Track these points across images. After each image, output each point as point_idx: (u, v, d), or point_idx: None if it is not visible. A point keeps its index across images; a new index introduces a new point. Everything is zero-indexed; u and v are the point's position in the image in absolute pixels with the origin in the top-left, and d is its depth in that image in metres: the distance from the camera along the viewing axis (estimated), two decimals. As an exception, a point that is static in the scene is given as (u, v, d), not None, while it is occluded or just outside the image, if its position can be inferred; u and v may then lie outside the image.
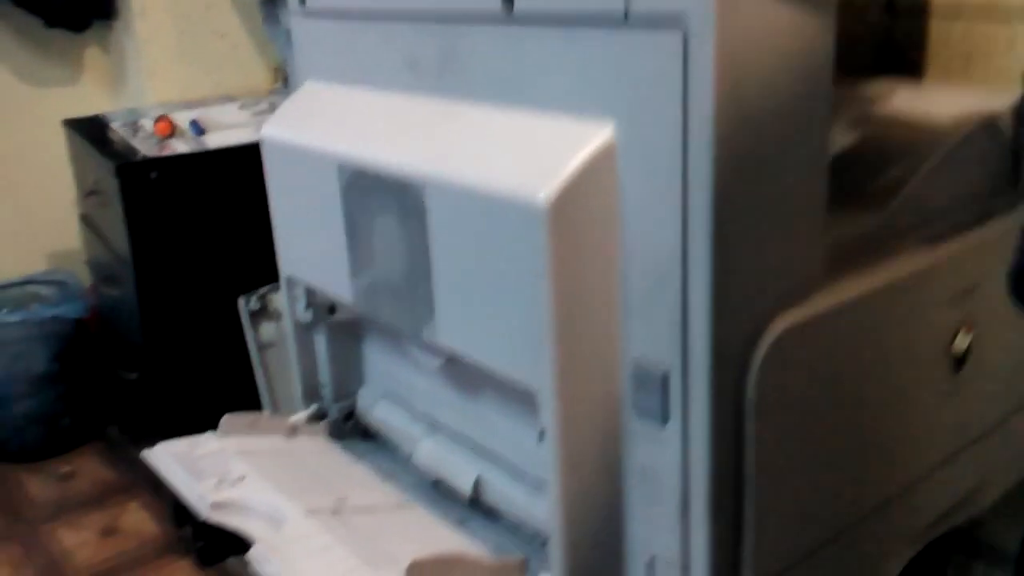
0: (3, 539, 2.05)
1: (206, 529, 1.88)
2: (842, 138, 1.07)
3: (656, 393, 0.78)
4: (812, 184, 0.78)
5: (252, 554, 0.80)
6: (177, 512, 1.95)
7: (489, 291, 0.81)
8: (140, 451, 2.08)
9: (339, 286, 1.00)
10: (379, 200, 0.90)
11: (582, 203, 0.74)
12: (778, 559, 0.84)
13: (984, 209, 1.01)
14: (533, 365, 0.78)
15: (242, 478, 0.91)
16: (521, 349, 0.80)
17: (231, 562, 1.92)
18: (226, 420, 1.02)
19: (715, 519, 0.78)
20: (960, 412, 1.01)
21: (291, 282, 1.11)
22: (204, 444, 0.99)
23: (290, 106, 1.05)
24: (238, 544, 1.91)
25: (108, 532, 2.05)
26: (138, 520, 2.10)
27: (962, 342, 0.97)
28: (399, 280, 0.91)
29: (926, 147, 0.99)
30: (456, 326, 0.86)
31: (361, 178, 0.91)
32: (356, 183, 0.92)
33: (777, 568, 0.84)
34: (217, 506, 0.87)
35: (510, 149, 0.78)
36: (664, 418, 0.78)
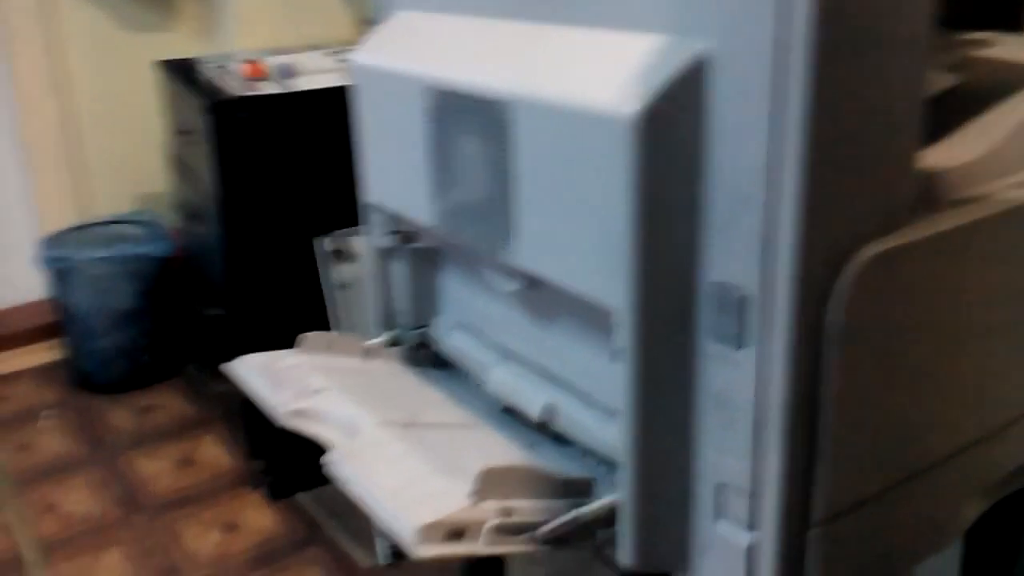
0: (85, 464, 2.14)
1: (277, 464, 1.94)
2: (942, 80, 1.04)
3: (734, 317, 0.77)
4: (909, 109, 0.76)
5: (329, 458, 0.82)
6: (251, 446, 2.01)
7: (571, 209, 0.81)
8: (218, 387, 2.15)
9: (420, 210, 1.01)
10: (464, 120, 0.91)
11: (669, 118, 0.73)
12: (850, 494, 0.83)
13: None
14: (611, 283, 0.78)
15: (319, 390, 0.94)
16: (600, 267, 0.80)
17: (300, 496, 1.98)
18: (305, 338, 1.05)
19: (788, 448, 0.77)
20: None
21: (373, 209, 1.13)
22: (284, 358, 1.02)
23: (379, 35, 1.07)
24: (307, 479, 1.96)
25: (184, 463, 2.13)
26: (213, 453, 2.17)
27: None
28: (480, 201, 0.92)
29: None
30: (536, 246, 0.87)
31: (447, 99, 0.92)
32: (442, 104, 0.93)
33: (848, 503, 0.83)
34: (295, 414, 0.89)
35: (599, 66, 0.78)
36: (741, 343, 0.78)
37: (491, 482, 0.78)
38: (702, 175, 0.76)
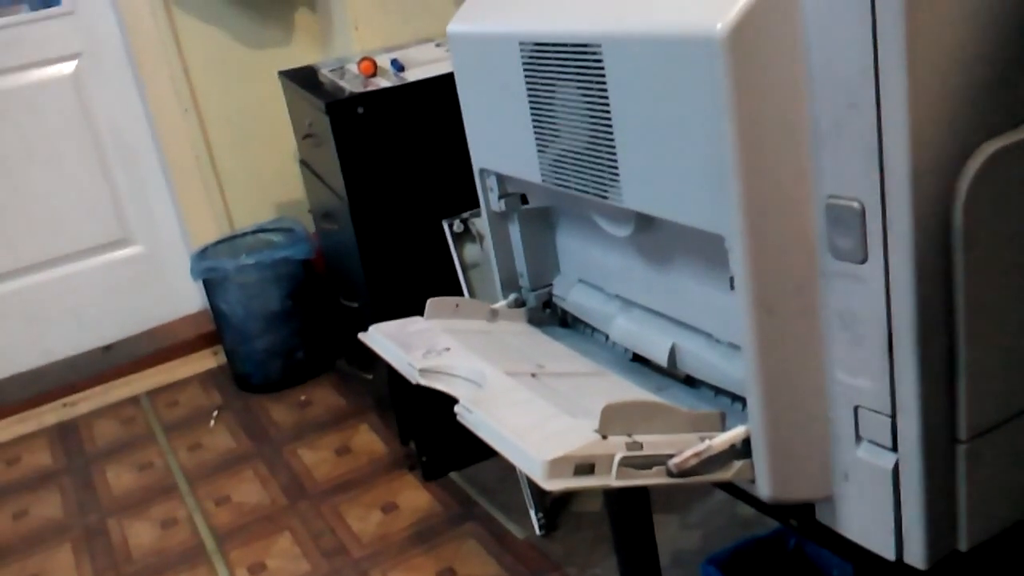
0: (252, 457, 2.28)
1: (429, 446, 2.00)
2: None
3: (853, 230, 0.75)
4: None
5: (458, 408, 0.84)
6: (402, 431, 2.09)
7: (671, 140, 0.81)
8: (367, 378, 2.24)
9: (527, 166, 1.03)
10: (559, 69, 0.92)
11: (761, 32, 0.72)
12: (995, 409, 0.79)
13: None
14: (719, 209, 0.78)
15: (448, 349, 0.97)
16: (707, 195, 0.79)
17: (453, 476, 2.04)
18: (432, 303, 1.09)
19: (923, 363, 0.75)
20: None
21: (483, 174, 1.15)
22: (413, 324, 1.06)
23: (470, 2, 1.09)
24: (458, 459, 2.02)
25: (342, 451, 2.23)
26: (368, 441, 2.26)
27: None
28: (583, 148, 0.92)
29: None
30: (642, 184, 0.87)
31: (540, 50, 0.93)
32: (536, 56, 0.95)
33: (993, 420, 0.79)
34: (425, 372, 0.93)
35: (684, -9, 0.77)
36: (862, 257, 0.75)
37: (617, 417, 0.78)
38: (802, 87, 0.74)
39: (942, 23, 0.69)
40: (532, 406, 0.84)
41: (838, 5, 0.70)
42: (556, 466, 0.74)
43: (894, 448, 0.78)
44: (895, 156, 0.70)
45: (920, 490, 0.77)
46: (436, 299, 1.09)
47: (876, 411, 0.78)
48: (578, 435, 0.77)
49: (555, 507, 1.85)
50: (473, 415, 0.82)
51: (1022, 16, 0.73)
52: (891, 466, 0.78)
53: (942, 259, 0.73)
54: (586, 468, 0.76)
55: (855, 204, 0.74)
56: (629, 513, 1.35)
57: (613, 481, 0.76)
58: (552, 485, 0.73)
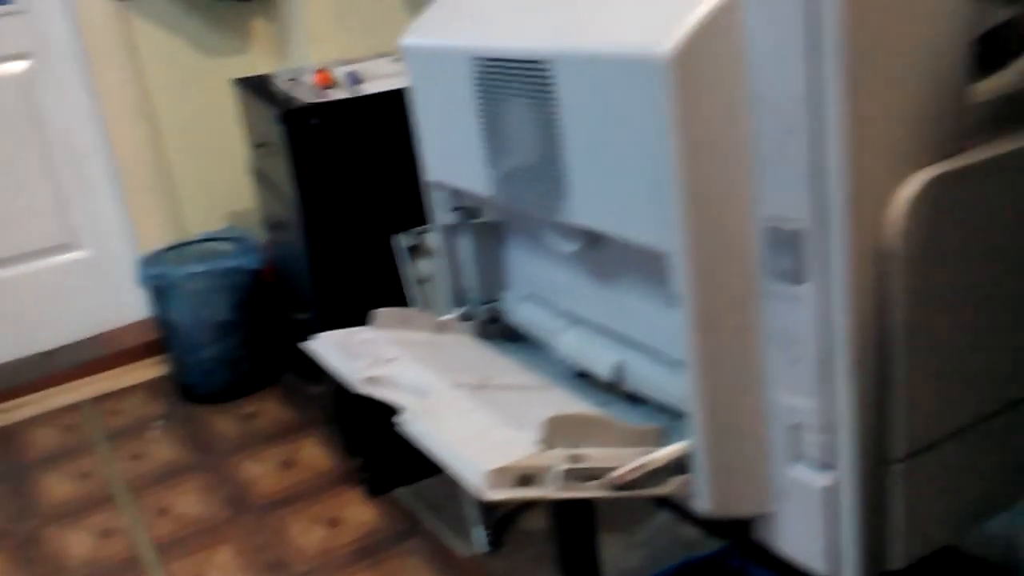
0: (195, 468, 2.24)
1: (375, 461, 1.99)
2: (999, 14, 1.01)
3: (791, 252, 0.77)
4: (955, 32, 0.75)
5: (401, 417, 0.84)
6: (348, 445, 2.07)
7: (619, 158, 0.82)
8: (315, 391, 2.22)
9: (477, 181, 1.04)
10: (511, 85, 0.93)
11: (706, 55, 0.73)
12: (928, 430, 0.81)
13: None
14: (663, 227, 0.79)
15: (394, 359, 0.97)
16: (651, 212, 0.80)
17: (398, 491, 2.03)
18: (379, 314, 1.08)
19: (858, 382, 0.76)
20: None
21: (435, 186, 1.15)
22: (359, 334, 1.05)
23: (425, 16, 1.10)
24: (404, 475, 2.01)
25: (287, 465, 2.20)
26: (313, 455, 2.24)
27: None
28: (532, 164, 0.93)
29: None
30: (588, 200, 0.88)
31: (492, 66, 0.94)
32: (488, 72, 0.95)
33: (927, 440, 0.81)
34: (370, 381, 0.92)
35: (633, 12, 0.79)
36: (800, 278, 0.77)
37: (559, 429, 0.79)
38: (744, 109, 0.76)
39: (881, 53, 0.71)
40: (476, 417, 0.84)
41: (780, 32, 0.71)
42: (497, 476, 0.74)
43: (829, 467, 0.80)
44: (833, 181, 0.72)
45: (854, 509, 0.79)
46: (384, 310, 1.09)
47: (813, 430, 0.80)
48: (520, 446, 0.77)
49: (501, 524, 1.84)
50: (415, 425, 0.82)
51: (958, 51, 0.76)
52: (826, 485, 0.80)
53: (878, 282, 0.75)
54: (527, 479, 0.76)
55: (794, 227, 0.75)
56: (574, 531, 1.35)
57: (553, 493, 0.76)
58: (493, 495, 0.73)
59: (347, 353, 0.98)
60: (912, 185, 0.74)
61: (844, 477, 0.79)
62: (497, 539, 1.81)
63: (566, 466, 0.76)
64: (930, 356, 0.79)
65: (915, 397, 0.79)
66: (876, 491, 0.80)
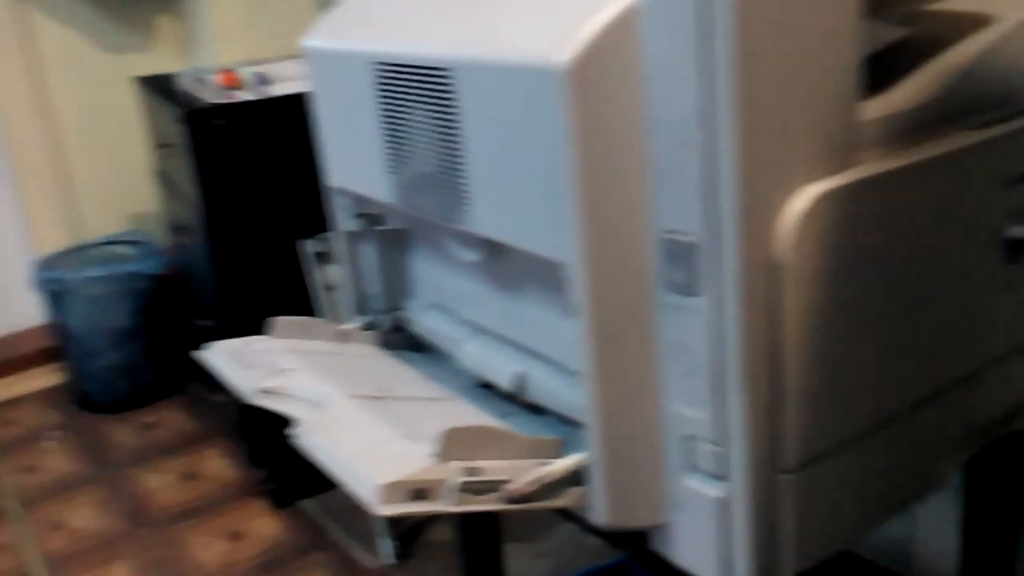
0: (90, 481, 2.16)
1: (280, 472, 1.94)
2: (891, 33, 1.04)
3: (686, 265, 0.77)
4: (844, 51, 0.76)
5: (296, 429, 0.82)
6: (253, 456, 2.02)
7: (518, 168, 0.82)
8: (219, 400, 2.16)
9: (380, 187, 1.02)
10: (412, 91, 0.91)
11: (603, 66, 0.74)
12: (819, 441, 0.82)
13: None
14: (561, 238, 0.79)
15: (291, 370, 0.94)
16: (549, 222, 0.80)
17: (303, 503, 1.99)
18: (278, 322, 1.06)
19: (750, 394, 0.77)
20: (1017, 308, 0.97)
21: (338, 193, 1.13)
22: (256, 343, 1.03)
23: (328, 17, 1.08)
24: (309, 486, 1.97)
25: (188, 476, 2.14)
26: (217, 466, 2.18)
27: (1017, 231, 0.94)
28: (434, 171, 0.92)
29: (978, 37, 0.96)
30: (489, 210, 0.87)
31: (394, 71, 0.93)
32: (390, 77, 0.94)
33: (818, 451, 0.83)
34: (264, 392, 0.90)
35: (532, 22, 0.78)
36: (694, 291, 0.77)
37: (455, 442, 0.78)
38: (641, 122, 0.76)
39: (772, 68, 0.72)
40: (372, 430, 0.82)
41: (675, 46, 0.72)
42: (390, 491, 0.73)
43: (723, 478, 0.80)
44: (724, 195, 0.73)
45: (746, 519, 0.80)
46: (282, 318, 1.06)
47: (706, 441, 0.81)
48: (415, 459, 0.76)
49: (408, 536, 1.82)
50: (309, 438, 0.80)
51: (850, 68, 0.77)
52: (720, 496, 0.81)
53: (770, 295, 0.76)
54: (422, 493, 0.75)
55: (688, 239, 0.76)
56: (479, 542, 1.34)
57: (448, 507, 0.75)
58: (385, 510, 0.72)
59: (242, 363, 0.95)
60: (802, 200, 0.75)
61: (736, 488, 0.80)
62: (404, 550, 1.79)
63: (461, 479, 0.75)
64: (821, 368, 0.80)
65: (806, 409, 0.80)
66: (768, 501, 0.81)
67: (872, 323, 0.83)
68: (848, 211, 0.79)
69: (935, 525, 1.49)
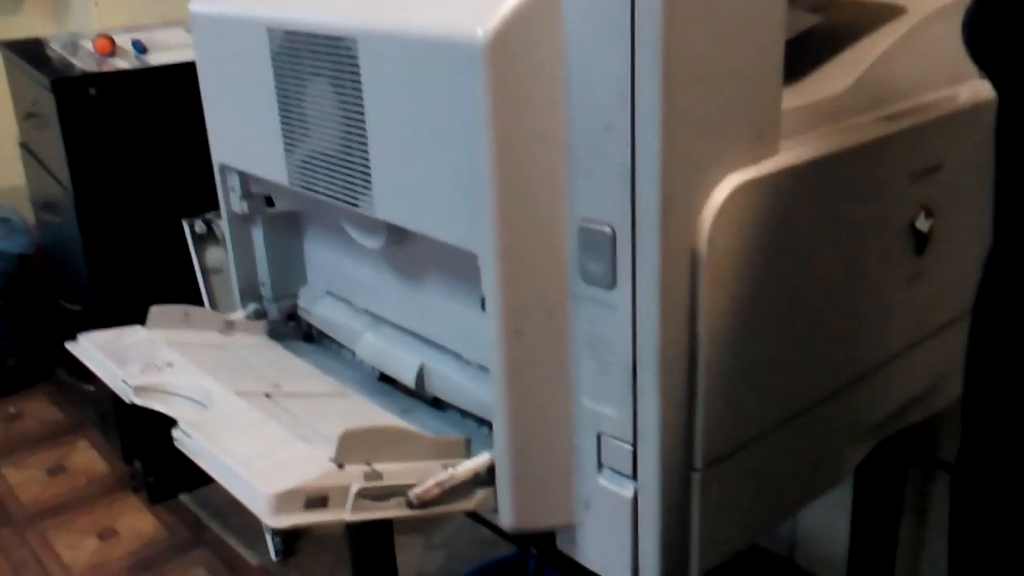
0: (-56, 478, 1.99)
1: (156, 465, 1.83)
2: (806, 20, 1.04)
3: (603, 255, 0.74)
4: (768, 41, 0.74)
5: (174, 432, 0.75)
6: (126, 448, 1.90)
7: (427, 149, 0.76)
8: (89, 389, 2.02)
9: (272, 166, 0.95)
10: (311, 63, 0.85)
11: (523, 43, 0.69)
12: (730, 437, 0.80)
13: (951, 93, 0.97)
14: (473, 226, 0.74)
15: (170, 364, 0.86)
16: (461, 210, 0.75)
17: (182, 497, 1.88)
18: (156, 311, 0.97)
19: (665, 391, 0.74)
20: (922, 300, 0.98)
21: (224, 171, 1.05)
22: (132, 334, 0.94)
23: (221, -19, 0.99)
24: (189, 479, 1.87)
25: (55, 471, 2.01)
26: (87, 459, 2.05)
27: (924, 223, 0.94)
28: (335, 150, 0.86)
29: (892, 26, 0.96)
30: (395, 193, 0.81)
31: (291, 40, 0.86)
32: (286, 47, 0.87)
33: (729, 447, 0.81)
34: (141, 390, 0.82)
35: (447, -7, 0.73)
36: (611, 282, 0.74)
37: (355, 444, 0.72)
38: (562, 103, 0.72)
39: (698, 54, 0.69)
40: (262, 431, 0.75)
41: (597, 25, 0.68)
42: (284, 500, 0.67)
43: (634, 476, 0.77)
44: (646, 182, 0.69)
45: (656, 518, 0.77)
46: (161, 307, 0.98)
47: (618, 439, 0.78)
48: (311, 464, 0.70)
49: (293, 531, 1.75)
50: (193, 440, 0.73)
51: (772, 55, 0.75)
52: (631, 494, 0.78)
53: (688, 288, 0.73)
54: (319, 501, 0.69)
55: (606, 229, 0.72)
56: (369, 536, 1.28)
57: (348, 515, 0.69)
58: (279, 522, 0.66)
59: (116, 357, 0.87)
60: (721, 190, 0.72)
61: (647, 486, 0.77)
62: (289, 547, 1.71)
63: (362, 484, 0.70)
64: (735, 363, 0.78)
65: (719, 404, 0.78)
66: (678, 500, 0.78)
67: (788, 316, 0.82)
68: (766, 202, 0.77)
69: (819, 509, 1.52)
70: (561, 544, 0.86)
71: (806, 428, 0.88)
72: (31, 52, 1.86)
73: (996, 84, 0.59)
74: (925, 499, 1.39)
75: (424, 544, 1.73)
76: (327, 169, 0.88)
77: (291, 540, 1.73)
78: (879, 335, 0.94)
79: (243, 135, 0.99)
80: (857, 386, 0.93)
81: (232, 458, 0.70)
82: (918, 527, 1.41)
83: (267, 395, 0.84)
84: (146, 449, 1.84)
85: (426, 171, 0.77)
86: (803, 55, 0.95)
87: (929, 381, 1.04)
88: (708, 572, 0.86)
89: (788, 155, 0.78)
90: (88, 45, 1.84)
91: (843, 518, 1.28)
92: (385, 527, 1.29)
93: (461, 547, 1.72)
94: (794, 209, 0.79)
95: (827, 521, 1.52)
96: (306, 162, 0.90)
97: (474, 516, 0.89)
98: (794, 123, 0.82)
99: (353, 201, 0.86)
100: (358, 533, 1.29)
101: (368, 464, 0.73)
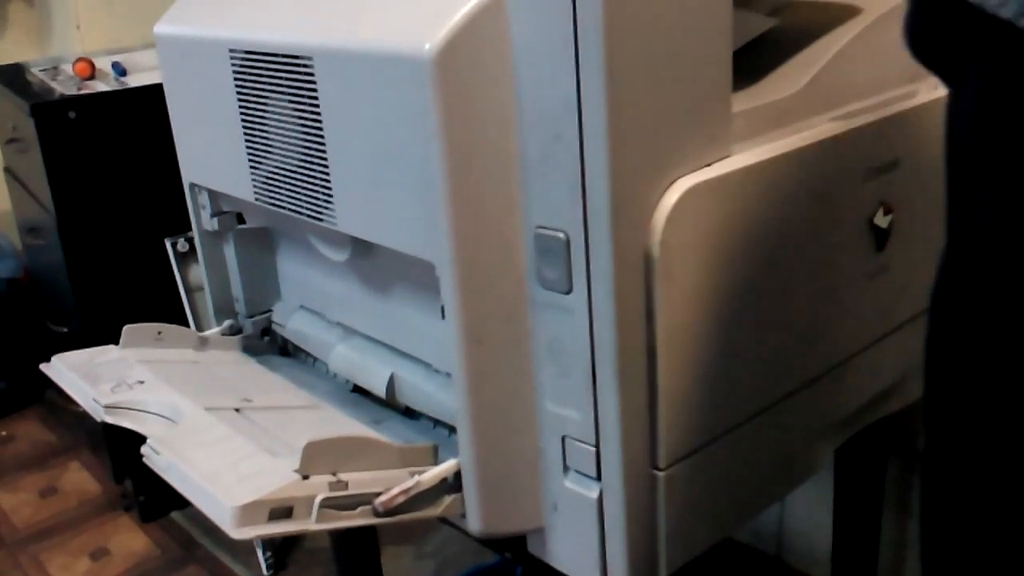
0: (-64, 503, 2.00)
1: (147, 484, 1.84)
2: (761, 24, 1.05)
3: (558, 261, 0.75)
4: (715, 44, 0.75)
5: (143, 449, 0.76)
6: (117, 468, 1.91)
7: (382, 162, 0.78)
8: (79, 410, 2.04)
9: (239, 183, 0.96)
10: (271, 81, 0.86)
11: (470, 56, 0.70)
12: (694, 437, 0.81)
13: (910, 90, 0.99)
14: (430, 236, 0.75)
15: (141, 381, 0.87)
16: (417, 221, 0.76)
17: (174, 515, 1.89)
18: (128, 330, 0.98)
19: (624, 392, 0.75)
20: (884, 295, 0.99)
21: (194, 189, 1.07)
22: (105, 354, 0.95)
23: (183, 2, 1.01)
24: (180, 497, 1.88)
25: (47, 492, 2.01)
26: (78, 480, 2.06)
27: (883, 220, 0.95)
28: (296, 166, 0.87)
29: (845, 29, 0.97)
30: (354, 207, 0.83)
31: (251, 59, 0.87)
32: (247, 65, 0.88)
33: (694, 444, 0.82)
34: (111, 408, 0.83)
35: (396, 6, 0.74)
36: (568, 287, 0.75)
37: (319, 455, 0.73)
38: (512, 114, 0.73)
39: (644, 61, 0.70)
40: (229, 445, 0.77)
41: (543, 36, 0.69)
42: (247, 512, 0.68)
43: (598, 478, 0.79)
44: (596, 188, 0.71)
45: (622, 518, 0.78)
46: (134, 326, 0.99)
47: (581, 441, 0.79)
48: (275, 476, 0.71)
49: (285, 545, 1.76)
50: (160, 457, 0.74)
51: (721, 60, 0.76)
52: (595, 496, 0.79)
53: (642, 290, 0.75)
54: (282, 512, 0.70)
55: (560, 235, 0.73)
56: (355, 549, 1.29)
57: (313, 525, 0.70)
58: (242, 534, 0.67)
59: (88, 376, 0.88)
60: (672, 193, 0.74)
61: (611, 487, 0.78)
62: (280, 561, 1.72)
63: (327, 494, 0.71)
64: (694, 363, 0.79)
65: (680, 404, 0.79)
66: (643, 500, 0.80)
67: (746, 315, 0.83)
68: (719, 203, 0.78)
69: (805, 507, 1.53)
70: (532, 547, 0.87)
71: (772, 424, 0.89)
72: (11, 77, 1.87)
73: (945, 82, 0.60)
74: (907, 491, 1.40)
75: (415, 554, 1.74)
76: (290, 185, 0.89)
77: (282, 554, 1.74)
78: (843, 330, 0.95)
79: (210, 153, 1.00)
80: (823, 381, 0.94)
81: (198, 473, 0.71)
82: (901, 519, 1.42)
83: (236, 410, 0.85)
84: (136, 468, 1.85)
85: (383, 184, 0.78)
86: (761, 58, 0.96)
87: (899, 373, 1.05)
88: (696, 571, 0.87)
89: (740, 157, 0.79)
90: (68, 69, 1.86)
91: (830, 514, 1.29)
92: (370, 538, 1.29)
93: (451, 556, 1.72)
94: (748, 209, 0.81)
95: (814, 518, 1.52)
96: (270, 178, 0.92)
97: (454, 524, 0.90)
98: (747, 125, 0.83)
99: (317, 215, 0.87)
100: (343, 544, 1.30)
101: (334, 474, 0.74)
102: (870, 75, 0.96)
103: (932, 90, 0.99)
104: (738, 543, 1.62)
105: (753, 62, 0.95)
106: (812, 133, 0.86)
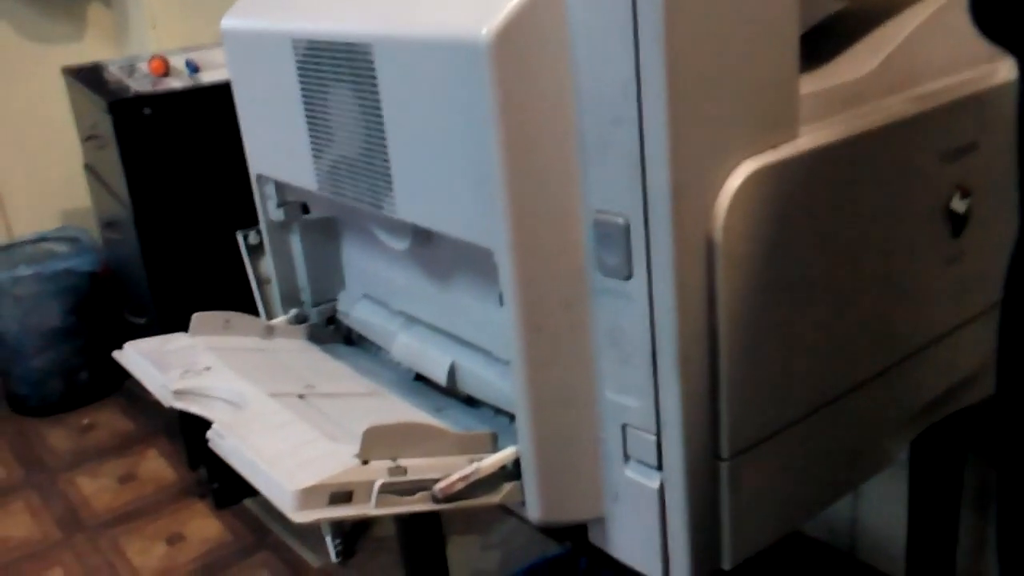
0: (24, 487, 2.08)
1: (221, 471, 1.88)
2: (831, 5, 1.02)
3: (618, 247, 0.74)
4: (781, 24, 0.73)
5: (209, 433, 0.77)
6: (192, 456, 1.96)
7: (441, 149, 0.78)
8: (156, 401, 2.10)
9: (303, 173, 0.97)
10: (333, 71, 0.87)
11: (527, 41, 0.70)
12: (758, 427, 0.80)
13: (989, 70, 0.95)
14: (488, 222, 0.75)
15: (208, 368, 0.89)
16: (476, 207, 0.76)
17: (247, 502, 1.93)
18: (198, 318, 1.00)
19: (685, 380, 0.74)
20: (960, 283, 0.95)
21: (261, 180, 1.08)
22: (174, 341, 0.97)
23: (249, -2, 1.03)
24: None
25: (126, 479, 2.08)
26: (156, 467, 2.12)
27: (960, 204, 0.92)
28: (358, 155, 0.88)
29: (919, 8, 0.94)
30: (414, 194, 0.83)
31: (314, 50, 0.88)
32: (310, 56, 0.89)
33: (758, 435, 0.80)
34: (179, 394, 0.85)
35: (454, -5, 0.74)
36: (628, 273, 0.74)
37: (379, 441, 0.74)
38: (570, 98, 0.72)
39: (703, 42, 0.68)
40: (291, 430, 0.78)
41: (601, 19, 0.68)
42: (308, 496, 0.68)
43: (659, 467, 0.77)
44: (657, 173, 0.69)
45: (684, 509, 0.77)
46: (202, 314, 1.01)
47: (642, 430, 0.78)
48: (335, 461, 0.72)
49: (353, 533, 1.78)
50: (226, 441, 0.75)
51: (788, 42, 0.74)
52: (657, 485, 0.78)
53: (704, 276, 0.73)
54: (343, 496, 0.70)
55: (620, 220, 0.72)
56: (420, 538, 1.30)
57: (372, 509, 0.71)
58: (302, 516, 0.68)
59: (158, 363, 0.90)
60: (736, 177, 0.72)
61: (673, 477, 0.77)
62: (349, 548, 1.74)
63: (386, 479, 0.71)
64: (758, 351, 0.77)
65: (744, 393, 0.77)
66: (705, 490, 0.78)
67: (812, 303, 0.81)
68: (785, 187, 0.76)
69: (880, 502, 1.49)
70: (593, 537, 0.86)
71: (839, 415, 0.87)
72: (90, 76, 1.93)
73: (1015, 57, 0.57)
74: (986, 487, 1.35)
75: (481, 544, 1.75)
76: (352, 173, 0.90)
77: (350, 541, 1.76)
78: (915, 320, 0.92)
79: (275, 144, 1.02)
80: (894, 372, 0.91)
81: (261, 457, 0.72)
82: (980, 516, 1.37)
83: (300, 396, 0.87)
84: (210, 456, 1.89)
85: (442, 170, 0.78)
86: (829, 40, 0.93)
87: (976, 365, 1.01)
88: (764, 565, 0.86)
89: (808, 139, 0.77)
90: (144, 67, 1.91)
91: (904, 511, 1.25)
92: (435, 526, 1.30)
93: (517, 547, 1.72)
94: (816, 193, 0.78)
95: (889, 514, 1.48)
96: (333, 167, 0.92)
97: (514, 514, 0.89)
98: (817, 107, 0.80)
99: (377, 203, 0.88)
100: (410, 535, 1.31)
101: (393, 460, 0.75)
102: (946, 54, 0.93)
103: (1013, 69, 0.95)
104: (810, 538, 1.58)
105: (824, 44, 0.92)
106: (885, 115, 0.83)
